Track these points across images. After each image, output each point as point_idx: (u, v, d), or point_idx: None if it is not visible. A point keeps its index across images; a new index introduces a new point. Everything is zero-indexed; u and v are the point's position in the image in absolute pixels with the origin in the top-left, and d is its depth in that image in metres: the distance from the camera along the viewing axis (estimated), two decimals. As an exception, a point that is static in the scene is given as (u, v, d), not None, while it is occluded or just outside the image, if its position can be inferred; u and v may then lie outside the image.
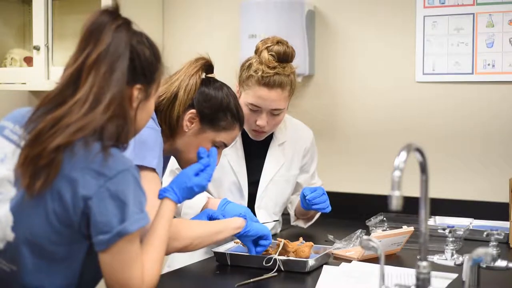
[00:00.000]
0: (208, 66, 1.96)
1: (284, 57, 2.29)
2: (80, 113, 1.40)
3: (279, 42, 2.31)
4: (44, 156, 1.37)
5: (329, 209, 2.32)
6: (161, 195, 1.69)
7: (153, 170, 1.75)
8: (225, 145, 1.97)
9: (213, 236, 1.88)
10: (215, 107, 1.91)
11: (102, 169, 1.38)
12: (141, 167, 1.70)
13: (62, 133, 1.38)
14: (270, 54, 2.27)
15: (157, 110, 1.87)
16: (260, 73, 2.25)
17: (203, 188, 1.74)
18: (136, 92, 1.49)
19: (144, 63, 1.50)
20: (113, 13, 1.47)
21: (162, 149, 1.83)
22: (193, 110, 1.90)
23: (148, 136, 1.76)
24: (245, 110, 2.31)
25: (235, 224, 1.94)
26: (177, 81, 1.90)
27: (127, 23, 1.48)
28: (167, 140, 1.90)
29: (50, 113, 1.42)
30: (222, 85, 1.97)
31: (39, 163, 1.38)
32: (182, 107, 1.89)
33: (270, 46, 2.29)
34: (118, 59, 1.43)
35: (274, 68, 2.26)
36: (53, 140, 1.38)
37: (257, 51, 2.32)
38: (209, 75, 1.98)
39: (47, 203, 1.39)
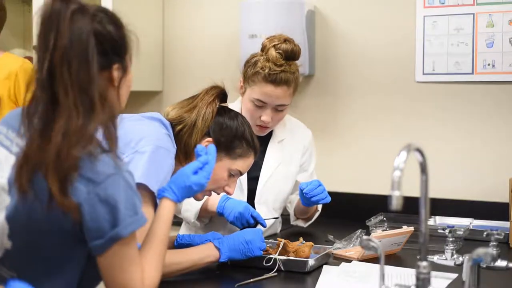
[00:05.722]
0: (223, 95, 1.97)
1: (291, 55, 2.32)
2: (80, 121, 1.34)
3: (286, 40, 2.33)
4: (68, 161, 1.32)
5: (328, 199, 2.33)
6: (160, 195, 1.66)
7: (152, 193, 1.74)
8: (241, 173, 1.98)
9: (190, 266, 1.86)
10: (231, 135, 1.93)
11: (91, 175, 1.35)
12: (143, 186, 1.71)
13: (78, 143, 1.33)
14: (277, 52, 2.30)
15: (176, 136, 1.89)
16: (267, 70, 2.28)
17: (202, 187, 1.69)
18: (116, 73, 1.44)
19: (113, 42, 1.43)
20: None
21: (171, 171, 1.83)
22: (209, 138, 1.91)
23: (163, 159, 1.78)
24: (250, 105, 2.33)
25: (210, 257, 1.90)
26: (195, 109, 1.92)
27: (81, 7, 1.38)
28: (179, 164, 1.88)
29: (40, 118, 1.36)
30: (237, 114, 1.99)
31: (63, 166, 1.32)
32: (200, 135, 1.90)
33: (277, 44, 2.31)
34: (86, 49, 1.36)
35: (281, 65, 2.29)
36: (71, 150, 1.32)
37: (264, 49, 2.34)
38: (223, 104, 1.99)
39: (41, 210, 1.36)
